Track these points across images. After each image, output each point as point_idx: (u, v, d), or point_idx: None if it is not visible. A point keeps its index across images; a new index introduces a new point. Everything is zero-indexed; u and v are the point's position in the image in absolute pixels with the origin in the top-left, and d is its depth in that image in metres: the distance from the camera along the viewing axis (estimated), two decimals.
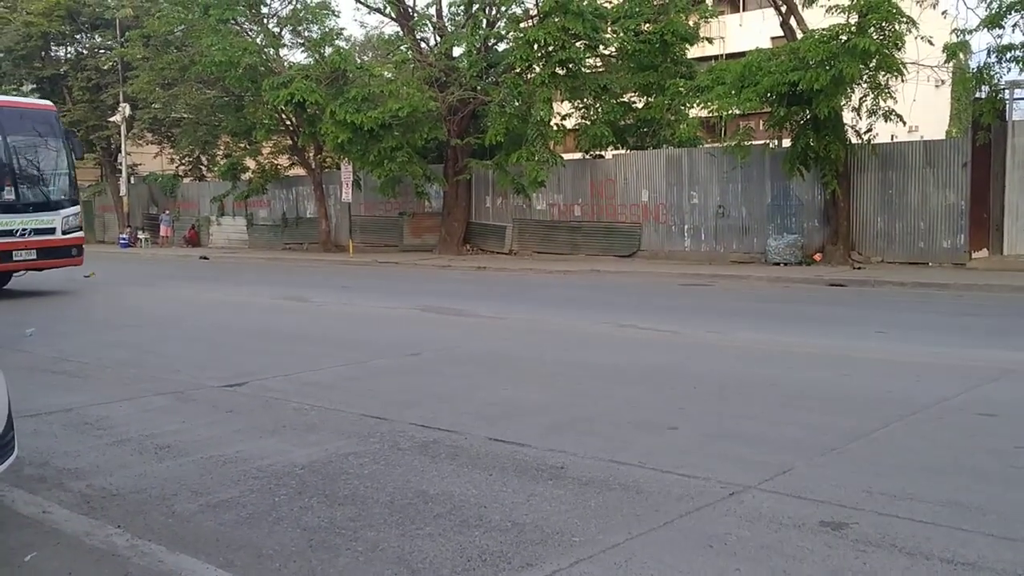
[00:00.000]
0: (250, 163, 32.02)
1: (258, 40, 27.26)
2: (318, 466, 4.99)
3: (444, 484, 4.64)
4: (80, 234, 16.17)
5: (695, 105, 21.77)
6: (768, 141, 21.97)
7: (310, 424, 5.97)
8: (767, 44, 28.28)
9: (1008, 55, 17.00)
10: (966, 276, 16.41)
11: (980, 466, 4.81)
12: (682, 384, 6.98)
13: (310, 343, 9.63)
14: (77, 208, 16.21)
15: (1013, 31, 17.07)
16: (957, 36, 17.49)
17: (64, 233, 15.47)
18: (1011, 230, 18.06)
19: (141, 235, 36.24)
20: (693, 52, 25.52)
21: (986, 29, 17.08)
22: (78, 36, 37.36)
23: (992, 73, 17.45)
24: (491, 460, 5.05)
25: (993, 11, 16.78)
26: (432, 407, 6.32)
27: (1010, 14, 16.67)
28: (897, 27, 17.12)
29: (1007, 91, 18.12)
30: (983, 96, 17.85)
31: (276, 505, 4.37)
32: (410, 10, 26.24)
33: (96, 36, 36.84)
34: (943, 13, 19.69)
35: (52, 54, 37.79)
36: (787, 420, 5.82)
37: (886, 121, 18.40)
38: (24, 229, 14.74)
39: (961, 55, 17.96)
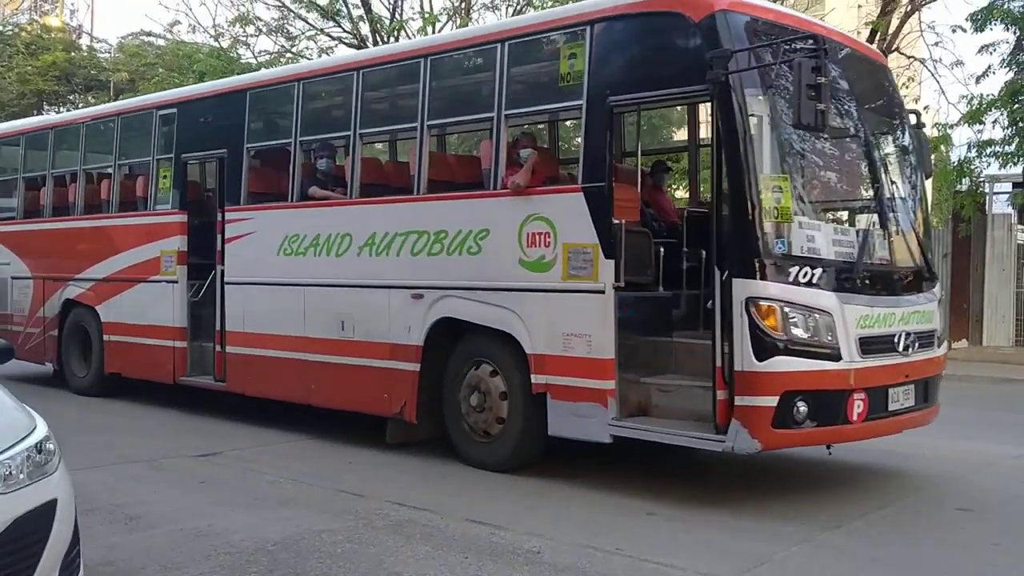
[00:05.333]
0: None
1: None
2: (290, 543, 4.95)
3: (418, 566, 4.61)
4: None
5: None
6: None
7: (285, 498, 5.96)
8: None
9: (988, 150, 17.39)
10: (947, 367, 16.45)
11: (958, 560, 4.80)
12: None
13: None
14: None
15: (993, 127, 17.49)
16: (939, 131, 17.89)
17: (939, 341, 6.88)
18: (990, 321, 18.24)
19: None
20: None
21: (967, 124, 17.50)
22: (71, 96, 37.77)
23: (972, 167, 17.82)
24: (466, 542, 5.04)
25: (974, 107, 17.22)
26: None
27: (990, 111, 17.12)
28: None
29: (987, 184, 18.50)
30: (963, 189, 18.19)
31: None
32: None
33: (90, 97, 37.28)
34: (925, 108, 20.17)
35: (45, 112, 38.16)
36: None
37: None
38: (907, 333, 6.16)
39: (943, 148, 18.35)
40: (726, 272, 5.61)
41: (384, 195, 7.84)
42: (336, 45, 24.46)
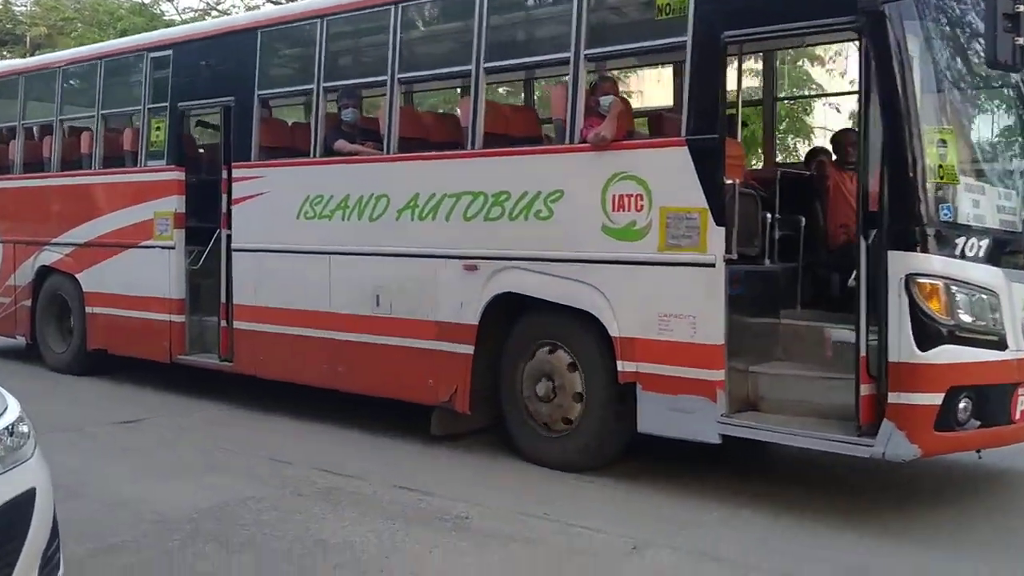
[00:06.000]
0: None
1: None
2: (216, 510, 4.90)
3: (345, 532, 4.57)
4: None
5: None
6: None
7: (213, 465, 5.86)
8: None
9: None
10: None
11: None
12: None
13: None
14: None
15: None
16: None
17: None
18: None
19: None
20: None
21: None
22: None
23: None
24: (395, 508, 5.00)
25: None
26: None
27: None
28: None
29: None
30: None
31: (170, 551, 4.30)
32: None
33: (5, 52, 35.22)
34: None
35: None
36: None
37: None
38: None
39: None
40: (876, 243, 4.66)
41: (424, 151, 6.78)
42: (264, 3, 23.03)
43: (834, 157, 6.58)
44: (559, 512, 4.92)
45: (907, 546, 4.53)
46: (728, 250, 5.13)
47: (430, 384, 6.38)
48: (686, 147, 5.24)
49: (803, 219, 6.04)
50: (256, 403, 7.72)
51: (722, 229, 5.11)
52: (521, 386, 6.03)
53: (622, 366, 5.45)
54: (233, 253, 7.72)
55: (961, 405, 4.56)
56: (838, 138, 6.65)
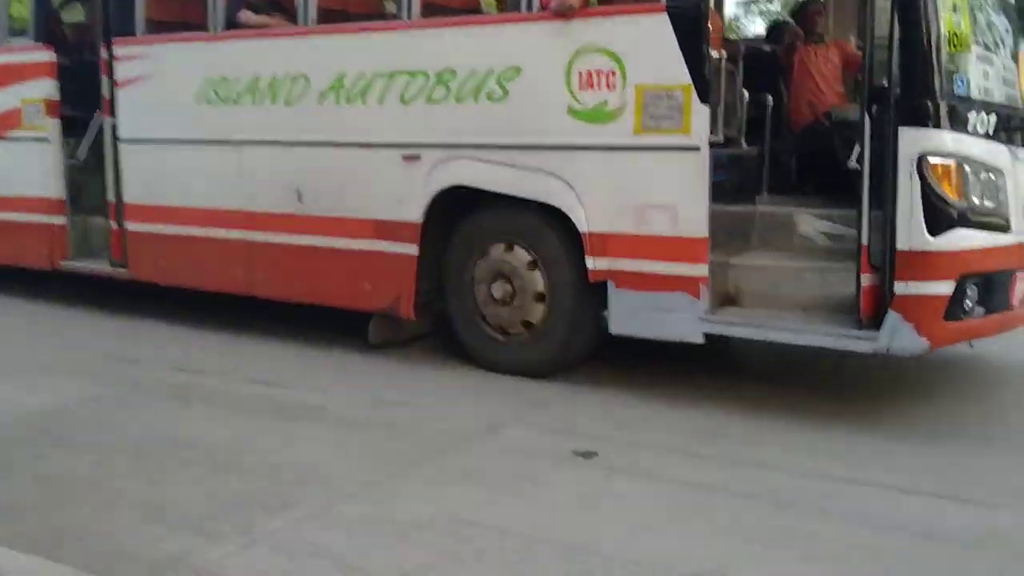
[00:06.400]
0: None
1: None
2: (53, 413, 4.67)
3: (196, 428, 4.47)
4: None
5: None
6: None
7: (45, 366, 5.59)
8: None
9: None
10: None
11: None
12: None
13: None
14: None
15: None
16: None
17: None
18: None
19: None
20: None
21: None
22: None
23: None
24: (248, 402, 4.91)
25: None
26: None
27: None
28: None
29: None
30: None
31: (7, 455, 4.09)
32: None
33: None
34: None
35: None
36: None
37: None
38: None
39: None
40: (883, 120, 4.25)
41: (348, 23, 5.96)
42: None
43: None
44: (421, 401, 4.92)
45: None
46: (713, 132, 4.63)
47: (367, 289, 5.74)
48: (666, 14, 4.64)
49: (770, 97, 5.61)
50: (93, 301, 7.28)
51: (706, 108, 4.59)
52: (472, 288, 5.47)
53: (592, 263, 4.95)
54: (120, 145, 6.75)
55: (969, 293, 4.29)
56: (803, 9, 6.19)
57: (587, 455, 4.09)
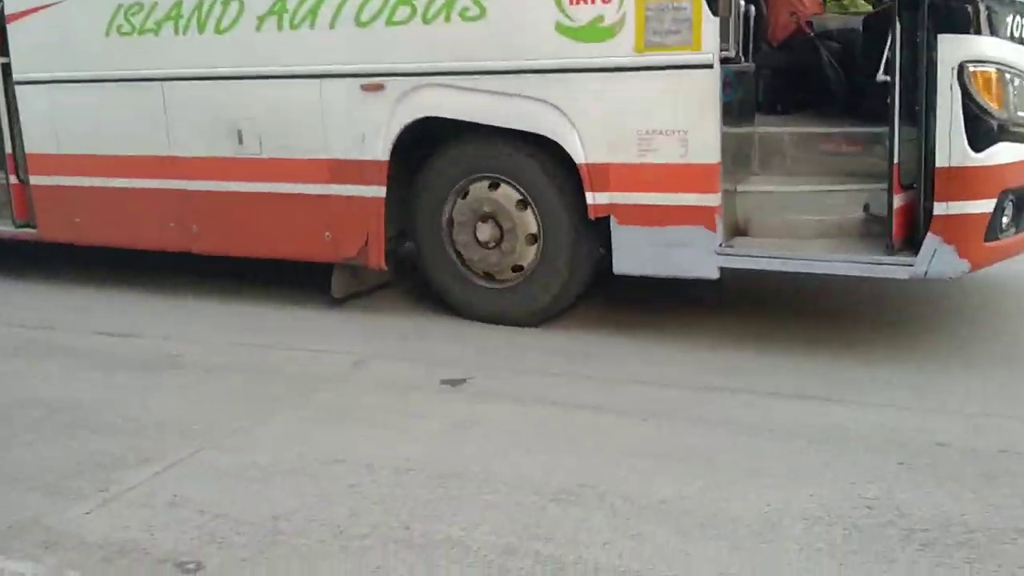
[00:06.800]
0: None
1: None
2: None
3: (47, 387, 4.25)
4: None
5: None
6: None
7: None
8: None
9: None
10: None
11: None
12: None
13: None
14: None
15: None
16: None
17: None
18: None
19: None
20: None
21: None
22: None
23: None
24: (99, 355, 4.72)
25: None
26: None
27: None
28: None
29: None
30: None
31: None
32: None
33: None
34: None
35: None
36: None
37: None
38: None
39: None
40: (917, 27, 3.90)
41: None
42: None
43: None
44: (283, 342, 4.82)
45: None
46: (724, 46, 4.21)
47: (327, 238, 5.16)
48: None
49: (753, 7, 5.20)
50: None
51: (716, 20, 4.16)
52: (450, 232, 4.96)
53: (593, 198, 4.50)
54: (16, 87, 5.87)
55: (1006, 210, 4.04)
56: None
57: (455, 383, 4.09)
